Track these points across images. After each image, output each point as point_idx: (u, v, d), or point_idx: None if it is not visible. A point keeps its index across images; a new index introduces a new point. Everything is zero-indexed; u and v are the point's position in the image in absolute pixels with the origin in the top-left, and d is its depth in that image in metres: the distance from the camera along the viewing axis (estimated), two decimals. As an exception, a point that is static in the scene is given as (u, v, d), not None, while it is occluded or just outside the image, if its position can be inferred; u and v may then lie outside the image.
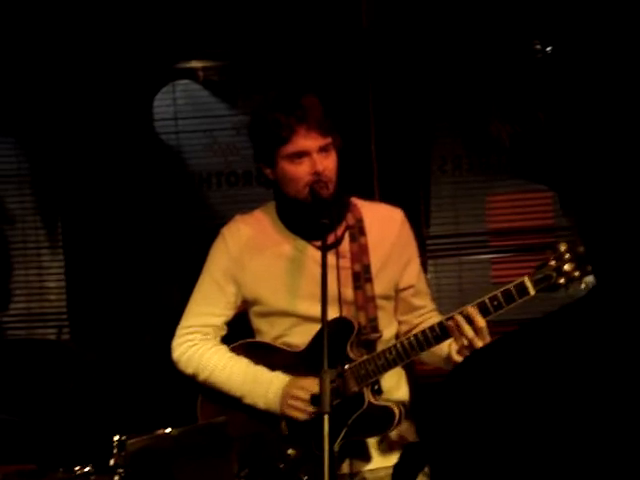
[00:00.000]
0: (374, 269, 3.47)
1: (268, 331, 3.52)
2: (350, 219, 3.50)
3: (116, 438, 3.45)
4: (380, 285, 3.48)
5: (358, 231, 3.49)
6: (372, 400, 3.39)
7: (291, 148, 3.34)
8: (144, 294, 5.26)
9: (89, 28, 5.15)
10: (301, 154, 3.34)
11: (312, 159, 3.34)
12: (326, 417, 3.02)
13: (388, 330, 3.51)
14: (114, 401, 4.74)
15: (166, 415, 3.60)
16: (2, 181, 5.49)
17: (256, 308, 3.53)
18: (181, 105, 5.41)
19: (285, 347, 3.49)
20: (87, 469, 3.76)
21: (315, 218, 3.32)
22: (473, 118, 5.03)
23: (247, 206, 3.79)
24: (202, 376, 3.50)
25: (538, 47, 1.55)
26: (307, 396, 3.35)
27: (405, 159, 5.19)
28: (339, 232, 3.46)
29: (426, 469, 3.37)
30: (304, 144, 3.34)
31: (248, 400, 3.45)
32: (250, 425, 3.45)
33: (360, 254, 3.47)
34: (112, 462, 3.47)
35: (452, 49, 5.01)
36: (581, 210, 1.38)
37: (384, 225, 3.54)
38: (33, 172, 5.47)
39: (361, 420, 3.37)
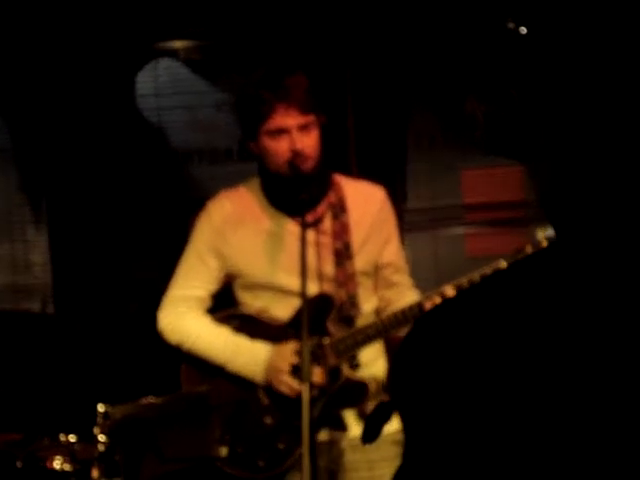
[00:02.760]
0: (355, 246, 3.54)
1: (251, 304, 3.59)
2: (332, 197, 3.56)
3: (100, 408, 3.54)
4: (360, 262, 3.56)
5: (340, 209, 3.56)
6: (348, 374, 3.48)
7: (271, 125, 3.41)
8: (128, 269, 5.29)
9: (72, 6, 5.15)
10: (280, 131, 3.41)
11: (291, 137, 3.41)
12: (305, 386, 3.11)
13: (367, 305, 3.59)
14: (99, 371, 4.78)
15: (150, 385, 3.67)
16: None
17: (239, 281, 3.60)
18: (162, 82, 5.43)
19: (267, 320, 3.56)
20: (72, 438, 3.83)
21: (295, 193, 3.40)
22: (448, 95, 5.06)
23: (228, 182, 3.82)
24: (186, 346, 3.58)
25: (511, 26, 1.58)
26: (290, 368, 3.43)
27: (382, 135, 5.22)
28: (321, 210, 3.53)
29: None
30: (283, 122, 3.40)
31: (230, 369, 3.52)
32: (231, 393, 3.53)
33: (341, 232, 3.54)
34: (96, 431, 3.55)
35: (428, 27, 5.03)
36: (548, 184, 1.41)
37: (365, 203, 3.61)
38: (17, 148, 5.48)
39: (337, 393, 3.46)
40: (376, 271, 3.63)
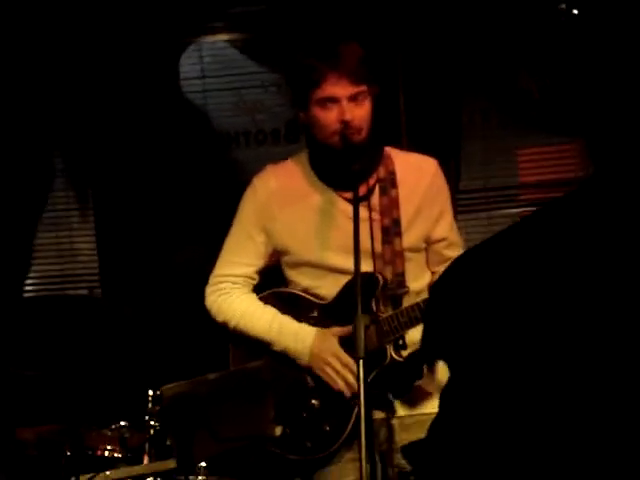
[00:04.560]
0: (404, 222, 3.46)
1: (298, 281, 3.54)
2: (382, 172, 3.49)
3: (150, 392, 3.50)
4: (410, 238, 3.47)
5: (389, 184, 3.48)
6: (395, 356, 3.39)
7: (321, 93, 3.35)
8: (175, 252, 5.26)
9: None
10: (331, 100, 3.34)
11: (341, 107, 3.33)
12: (361, 362, 3.03)
13: (417, 283, 3.50)
14: (150, 357, 4.75)
15: (202, 369, 3.62)
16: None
17: (286, 258, 3.55)
18: (208, 63, 5.38)
19: (313, 298, 3.51)
20: (122, 424, 3.79)
21: (346, 164, 3.32)
22: (502, 71, 4.99)
23: (275, 164, 3.77)
24: (231, 324, 3.54)
25: (563, 8, 1.56)
26: (340, 365, 3.38)
27: (435, 114, 5.15)
28: (370, 184, 3.46)
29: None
30: (334, 91, 3.33)
31: (275, 348, 3.48)
32: (280, 372, 3.48)
33: (390, 208, 3.46)
34: (148, 415, 3.51)
35: (481, 2, 4.97)
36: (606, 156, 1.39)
37: (416, 177, 3.52)
38: (62, 134, 5.45)
39: (383, 375, 3.37)
40: (428, 246, 3.55)
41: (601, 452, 1.30)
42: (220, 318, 3.57)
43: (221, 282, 3.57)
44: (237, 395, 3.21)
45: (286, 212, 3.50)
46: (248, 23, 5.30)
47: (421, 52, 5.08)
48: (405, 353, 3.41)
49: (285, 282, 3.60)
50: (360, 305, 3.09)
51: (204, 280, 3.67)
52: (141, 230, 5.31)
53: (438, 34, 5.06)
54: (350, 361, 3.35)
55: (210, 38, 5.36)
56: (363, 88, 3.36)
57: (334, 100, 3.34)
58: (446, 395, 1.44)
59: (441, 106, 5.15)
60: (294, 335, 3.45)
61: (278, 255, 3.56)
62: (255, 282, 3.59)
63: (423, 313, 3.32)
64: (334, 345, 3.40)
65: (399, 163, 3.53)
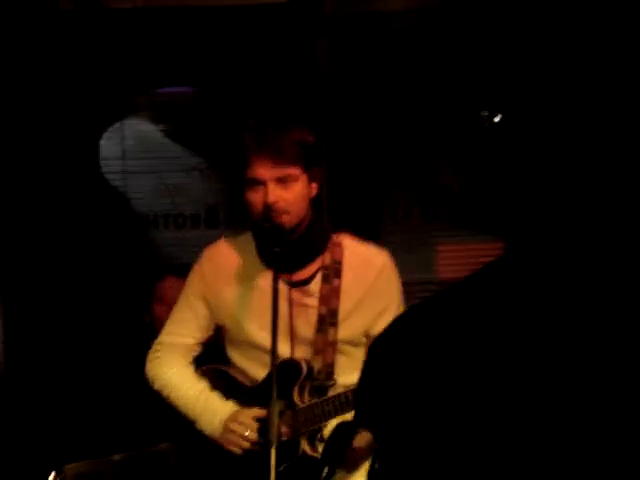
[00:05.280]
0: (343, 313, 3.37)
1: (235, 360, 3.48)
2: (327, 259, 3.40)
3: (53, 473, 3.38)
4: (346, 330, 3.39)
5: (333, 272, 3.40)
6: (307, 450, 3.31)
7: (249, 174, 3.30)
8: (92, 337, 5.16)
9: (35, 62, 5.09)
10: (257, 182, 3.30)
11: (265, 189, 3.28)
12: (273, 450, 2.95)
13: (348, 377, 3.36)
14: (55, 434, 4.64)
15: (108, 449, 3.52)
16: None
17: (226, 335, 3.49)
18: (129, 145, 5.36)
19: (244, 381, 3.44)
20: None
21: (270, 246, 3.27)
22: (424, 168, 5.04)
23: (194, 249, 3.72)
24: (163, 394, 3.51)
25: (485, 115, 1.59)
26: (244, 431, 3.30)
27: (357, 207, 5.17)
28: (311, 270, 3.39)
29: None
30: (260, 173, 3.28)
31: (198, 426, 3.41)
32: (187, 457, 3.41)
33: (329, 297, 3.38)
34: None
35: (403, 98, 5.03)
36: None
37: (363, 270, 3.42)
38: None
39: (294, 468, 3.28)
40: (368, 341, 3.47)
41: None
42: (155, 387, 3.53)
43: (161, 350, 3.54)
44: (141, 477, 3.11)
45: (227, 288, 3.44)
46: (173, 106, 5.29)
47: (343, 144, 5.10)
48: (321, 448, 3.33)
49: (225, 358, 3.55)
50: (275, 390, 3.03)
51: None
52: (52, 312, 5.19)
53: (361, 128, 5.09)
54: (251, 423, 3.30)
55: (133, 119, 5.33)
56: (293, 171, 3.30)
57: (260, 182, 3.30)
58: (376, 473, 1.40)
59: (363, 199, 5.17)
60: (214, 412, 3.38)
61: (221, 330, 3.52)
62: (196, 353, 3.54)
63: (352, 392, 3.25)
64: (245, 417, 3.33)
65: (348, 253, 3.44)
